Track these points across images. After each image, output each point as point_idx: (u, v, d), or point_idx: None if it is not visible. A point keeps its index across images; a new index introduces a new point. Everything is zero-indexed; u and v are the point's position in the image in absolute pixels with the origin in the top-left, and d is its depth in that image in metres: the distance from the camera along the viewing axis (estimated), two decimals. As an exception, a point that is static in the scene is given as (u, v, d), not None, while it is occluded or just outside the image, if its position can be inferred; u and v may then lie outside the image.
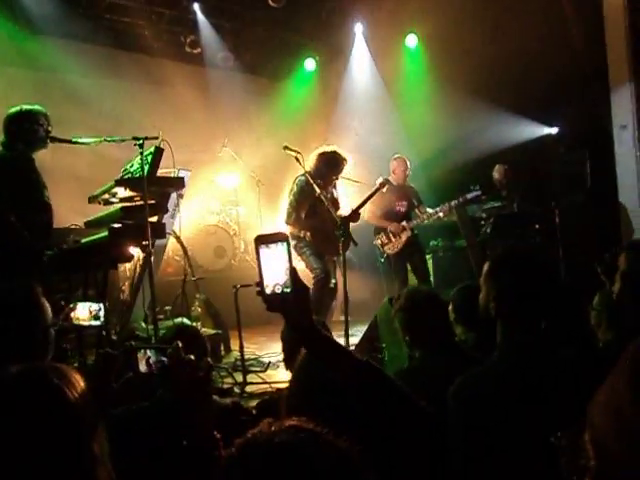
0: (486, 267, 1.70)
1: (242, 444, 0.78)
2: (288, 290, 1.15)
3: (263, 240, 1.17)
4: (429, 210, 5.54)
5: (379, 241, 5.52)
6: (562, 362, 1.61)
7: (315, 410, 0.94)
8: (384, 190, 4.41)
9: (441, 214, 5.46)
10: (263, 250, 1.16)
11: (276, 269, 1.16)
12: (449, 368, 1.83)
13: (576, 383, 1.52)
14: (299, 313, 1.18)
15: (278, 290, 1.16)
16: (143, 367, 1.50)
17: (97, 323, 2.07)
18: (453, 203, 5.43)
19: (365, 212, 5.42)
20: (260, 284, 1.17)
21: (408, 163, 5.64)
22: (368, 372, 1.24)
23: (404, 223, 5.47)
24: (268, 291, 1.16)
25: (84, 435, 0.96)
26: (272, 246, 1.16)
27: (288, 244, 1.17)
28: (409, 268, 5.56)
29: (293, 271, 1.16)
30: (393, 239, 5.47)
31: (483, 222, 5.98)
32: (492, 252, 5.73)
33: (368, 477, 0.77)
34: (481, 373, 1.63)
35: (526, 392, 1.53)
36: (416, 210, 5.62)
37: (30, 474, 0.90)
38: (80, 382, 1.00)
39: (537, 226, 5.77)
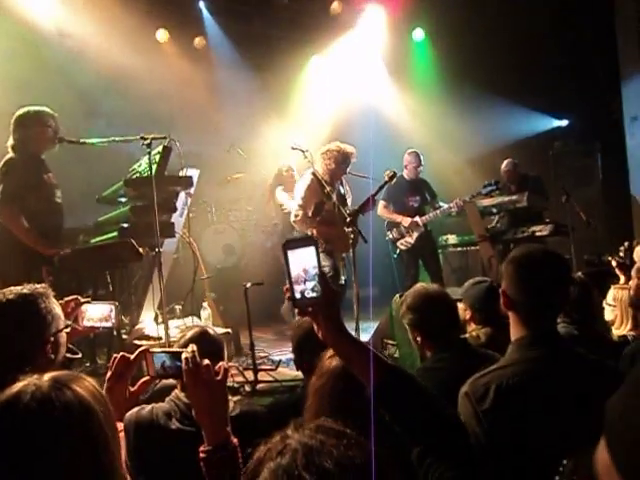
0: (506, 264, 1.66)
1: (271, 447, 0.76)
2: (317, 295, 1.13)
3: (291, 244, 1.15)
4: (443, 205, 5.48)
5: (392, 236, 5.48)
6: (574, 359, 1.58)
7: (340, 413, 0.92)
8: (392, 183, 4.37)
9: (455, 209, 5.38)
10: (291, 254, 1.14)
11: (305, 273, 1.13)
12: (460, 367, 1.81)
13: (588, 382, 1.49)
14: (329, 317, 1.16)
15: (308, 295, 1.14)
16: (158, 370, 1.49)
17: (108, 325, 2.05)
18: (468, 197, 5.37)
19: (378, 207, 5.42)
20: (290, 289, 1.15)
21: (421, 157, 5.58)
22: (399, 377, 1.22)
23: (417, 218, 5.42)
24: (298, 296, 1.14)
25: (106, 442, 0.96)
26: (300, 250, 1.13)
27: (316, 247, 1.14)
28: (421, 264, 5.53)
29: (322, 275, 1.14)
30: (406, 234, 5.43)
31: (493, 217, 5.92)
32: (503, 247, 5.70)
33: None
34: (492, 372, 1.59)
35: (537, 390, 1.50)
36: (429, 205, 5.57)
37: None
38: (101, 392, 1.01)
39: (547, 220, 5.71)
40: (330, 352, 1.56)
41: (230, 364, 4.06)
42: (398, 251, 5.47)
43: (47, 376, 0.98)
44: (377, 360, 1.20)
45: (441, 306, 2.22)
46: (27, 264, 3.32)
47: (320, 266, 1.14)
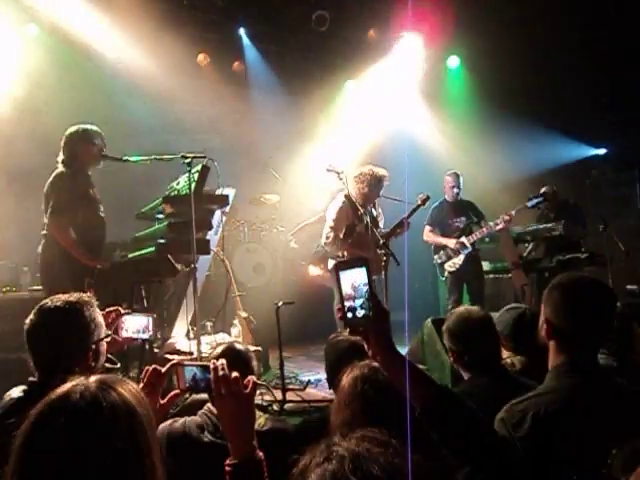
0: (550, 290, 1.64)
1: (317, 455, 0.77)
2: (369, 314, 1.15)
3: (343, 265, 1.19)
4: (489, 223, 5.37)
5: (439, 260, 5.44)
6: (616, 388, 1.55)
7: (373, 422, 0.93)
8: (425, 206, 4.38)
9: (502, 225, 5.22)
10: (343, 275, 1.17)
11: (356, 293, 1.16)
12: (497, 393, 1.78)
13: (626, 412, 1.46)
14: (380, 337, 1.18)
15: (359, 315, 1.16)
16: (189, 383, 1.50)
17: (145, 336, 2.11)
18: (514, 211, 5.25)
19: (424, 232, 5.48)
20: (341, 309, 1.17)
21: (461, 179, 5.53)
22: (448, 398, 1.22)
23: (463, 239, 5.34)
24: (349, 315, 1.17)
25: (149, 444, 0.98)
26: (351, 271, 1.17)
27: (367, 268, 1.16)
28: (465, 288, 5.42)
29: (373, 295, 1.16)
30: (453, 256, 5.37)
31: (527, 244, 5.83)
32: (537, 276, 5.58)
33: None
34: (529, 399, 1.57)
35: (575, 419, 1.47)
36: (477, 226, 5.45)
37: None
38: (144, 396, 1.04)
39: (583, 249, 5.58)
40: (347, 370, 1.57)
41: (259, 382, 4.07)
42: (446, 274, 5.41)
43: (94, 377, 1.02)
44: (427, 380, 1.22)
45: (483, 331, 2.18)
46: (72, 274, 3.44)
47: (372, 285, 1.15)
